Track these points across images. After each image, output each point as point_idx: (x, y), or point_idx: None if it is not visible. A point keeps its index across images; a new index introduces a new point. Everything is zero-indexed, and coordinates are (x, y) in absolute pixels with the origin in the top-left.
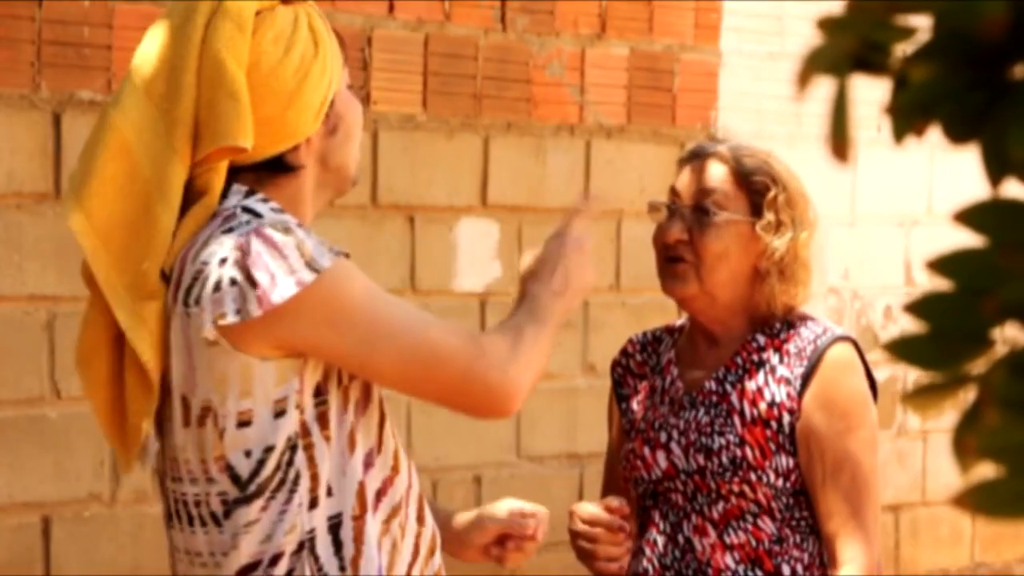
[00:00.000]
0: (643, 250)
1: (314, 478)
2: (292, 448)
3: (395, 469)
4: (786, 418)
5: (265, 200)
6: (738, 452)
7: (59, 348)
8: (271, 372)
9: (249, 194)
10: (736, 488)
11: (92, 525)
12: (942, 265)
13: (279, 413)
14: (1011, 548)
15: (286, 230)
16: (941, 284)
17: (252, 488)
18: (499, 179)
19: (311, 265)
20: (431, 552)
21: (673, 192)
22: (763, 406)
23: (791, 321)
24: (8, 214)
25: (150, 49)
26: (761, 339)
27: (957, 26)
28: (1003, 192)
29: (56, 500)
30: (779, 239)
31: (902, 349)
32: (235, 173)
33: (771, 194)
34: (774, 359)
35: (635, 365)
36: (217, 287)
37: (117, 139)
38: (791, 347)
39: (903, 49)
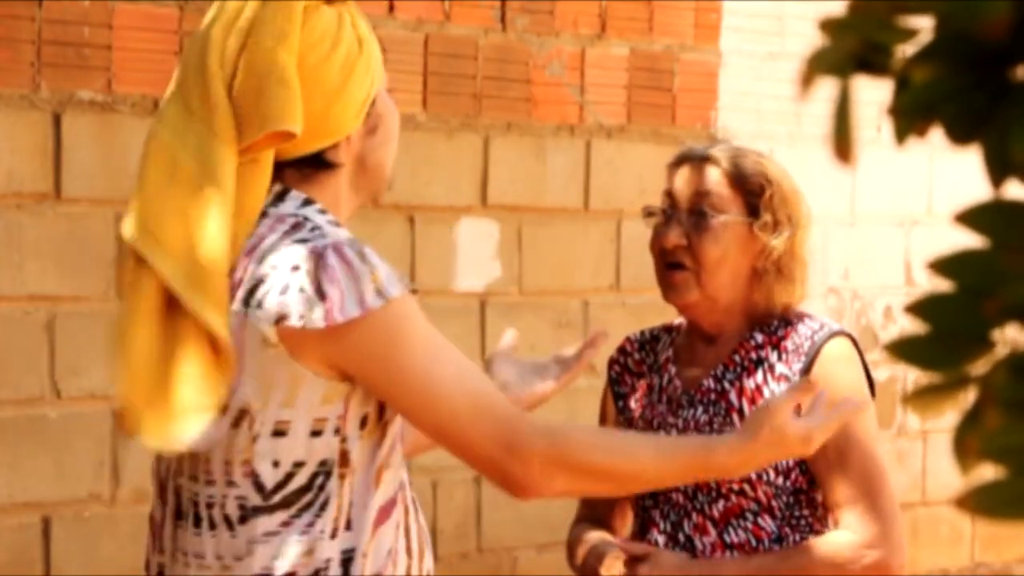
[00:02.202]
0: (643, 250)
1: (339, 508)
2: (327, 473)
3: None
4: None
5: (323, 212)
6: None
7: (59, 348)
8: (319, 389)
9: (306, 203)
10: (736, 486)
11: (92, 525)
12: (943, 266)
13: (316, 432)
14: (1011, 548)
15: (361, 254)
16: (942, 285)
17: (276, 499)
18: (499, 179)
19: (380, 292)
20: (421, 554)
21: (667, 196)
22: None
23: (788, 319)
24: (8, 214)
25: (186, 51)
26: (759, 337)
27: (959, 27)
28: (1005, 193)
29: (56, 500)
30: (777, 238)
31: (903, 349)
32: (277, 170)
33: (767, 194)
34: (772, 356)
35: (633, 364)
36: (285, 291)
37: (155, 143)
38: (789, 344)
39: (905, 50)
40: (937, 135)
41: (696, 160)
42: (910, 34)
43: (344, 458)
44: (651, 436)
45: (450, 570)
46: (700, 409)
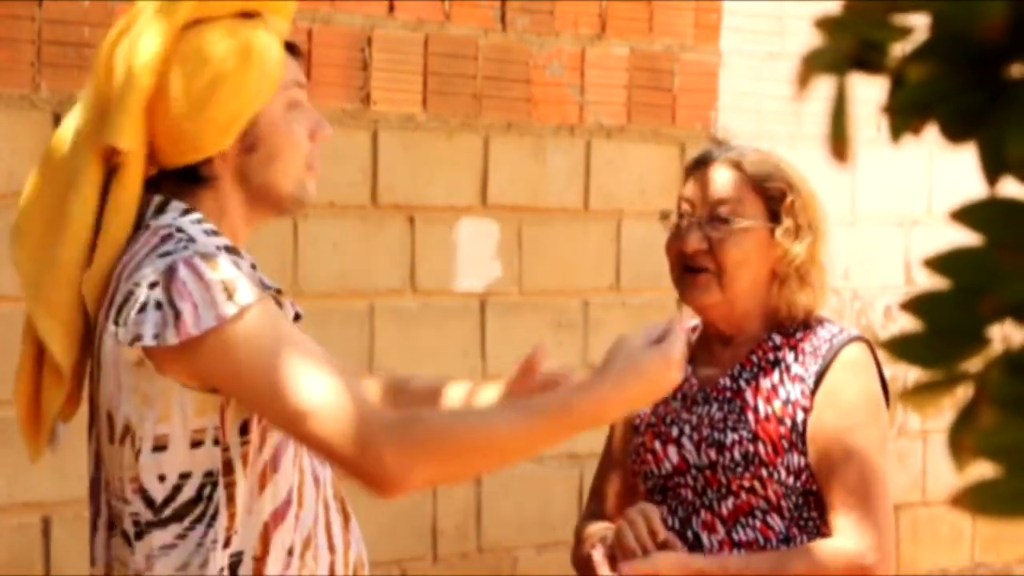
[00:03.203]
0: (643, 250)
1: (231, 516)
2: (214, 484)
3: (299, 504)
4: (800, 416)
5: (200, 221)
6: (750, 448)
7: None
8: (191, 401)
9: (186, 212)
10: (747, 484)
11: None
12: (939, 263)
13: (196, 443)
14: (1011, 548)
15: (213, 263)
16: (939, 282)
17: (167, 512)
18: (499, 179)
19: (233, 301)
20: (346, 548)
21: (684, 200)
22: (777, 404)
23: (807, 322)
24: (8, 214)
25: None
26: (777, 338)
27: (955, 26)
28: (1000, 191)
29: (56, 500)
30: (799, 244)
31: (899, 347)
32: (159, 180)
33: (788, 199)
34: (789, 358)
35: None
36: (142, 308)
37: (55, 134)
38: (807, 346)
39: (901, 48)
40: (935, 134)
41: (716, 163)
42: (906, 32)
43: (228, 467)
44: (508, 405)
45: (450, 570)
46: (715, 406)
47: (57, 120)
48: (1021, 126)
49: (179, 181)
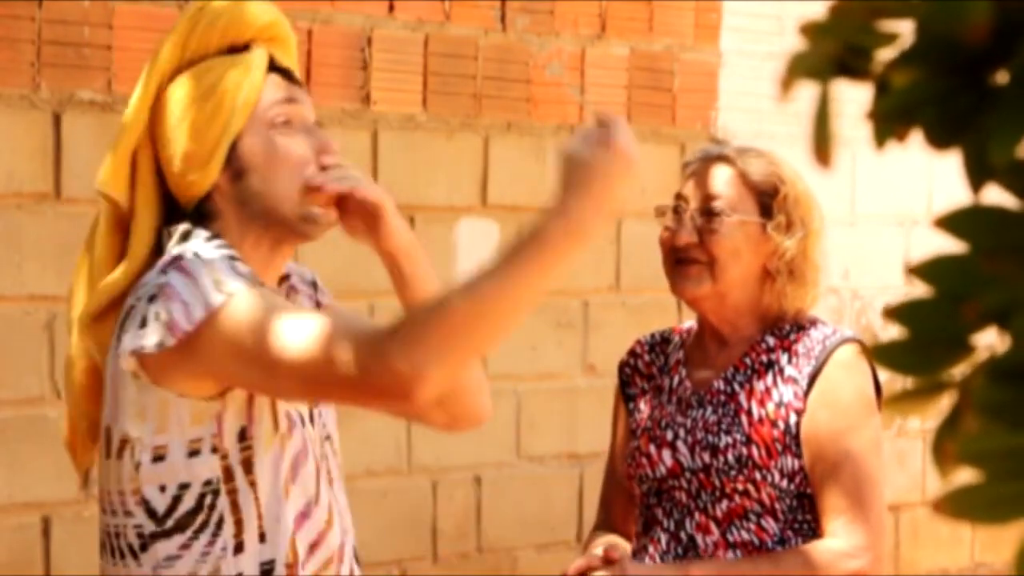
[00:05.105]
0: (643, 250)
1: (238, 523)
2: (215, 492)
3: (328, 523)
4: (793, 418)
5: (222, 246)
6: (744, 451)
7: (59, 348)
8: (186, 410)
9: (210, 239)
10: (740, 487)
11: (92, 525)
12: (923, 271)
13: (193, 452)
14: (1011, 548)
15: (209, 265)
16: (924, 289)
17: (170, 523)
18: (499, 179)
19: (219, 288)
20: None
21: (680, 197)
22: (771, 406)
23: (801, 323)
24: (8, 214)
25: None
26: (771, 340)
27: (940, 31)
28: (984, 198)
29: (56, 500)
30: (790, 239)
31: (884, 354)
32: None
33: (780, 194)
34: (783, 359)
35: (643, 366)
36: (143, 323)
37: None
38: (800, 347)
39: (885, 54)
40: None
41: (710, 160)
42: (890, 38)
43: (228, 474)
44: (485, 264)
45: (450, 570)
46: (709, 410)
47: (57, 120)
48: (1005, 132)
49: (192, 221)
